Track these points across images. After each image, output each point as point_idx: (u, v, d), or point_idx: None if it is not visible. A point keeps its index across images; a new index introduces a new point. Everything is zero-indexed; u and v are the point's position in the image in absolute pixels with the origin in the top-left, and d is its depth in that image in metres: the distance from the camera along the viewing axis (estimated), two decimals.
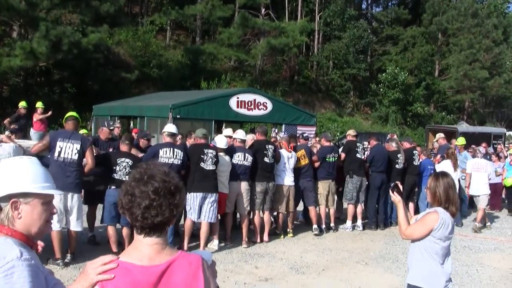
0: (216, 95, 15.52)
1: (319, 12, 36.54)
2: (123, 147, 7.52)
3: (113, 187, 7.14)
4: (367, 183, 10.28)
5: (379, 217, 10.53)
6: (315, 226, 9.59)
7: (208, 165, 7.79)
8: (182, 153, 7.76)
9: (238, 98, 14.78)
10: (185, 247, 7.61)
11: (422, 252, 3.92)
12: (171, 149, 7.66)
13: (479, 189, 11.24)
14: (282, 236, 9.20)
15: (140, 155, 7.87)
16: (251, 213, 8.91)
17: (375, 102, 36.35)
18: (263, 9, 32.75)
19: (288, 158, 9.09)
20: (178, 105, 13.61)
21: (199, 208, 7.71)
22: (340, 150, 10.73)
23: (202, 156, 7.77)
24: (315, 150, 10.07)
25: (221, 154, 8.14)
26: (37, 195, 1.96)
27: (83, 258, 7.08)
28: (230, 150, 8.39)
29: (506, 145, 22.89)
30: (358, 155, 10.09)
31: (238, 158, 8.37)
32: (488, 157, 14.40)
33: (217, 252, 7.99)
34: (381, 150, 10.56)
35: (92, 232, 8.16)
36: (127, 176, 6.81)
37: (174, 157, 7.61)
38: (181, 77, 28.09)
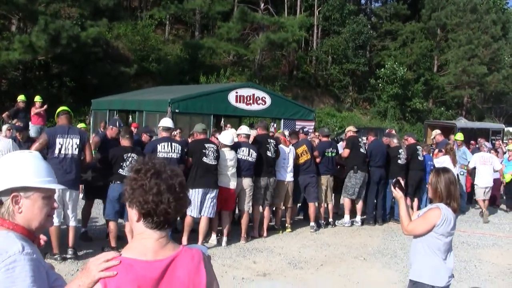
0: (215, 89, 15.49)
1: (318, 7, 36.48)
2: (125, 142, 7.48)
3: (117, 182, 7.11)
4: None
5: (378, 212, 10.55)
6: (312, 223, 9.60)
7: (210, 160, 7.78)
8: (180, 147, 7.74)
9: (237, 92, 14.76)
10: (185, 243, 7.61)
11: (424, 248, 3.92)
12: (169, 143, 7.66)
13: (488, 181, 11.94)
14: (280, 231, 9.21)
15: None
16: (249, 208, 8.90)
17: (374, 97, 36.36)
18: (262, 4, 32.68)
19: (287, 153, 9.09)
20: (177, 99, 13.59)
21: (200, 204, 7.71)
22: (339, 145, 10.73)
23: (204, 151, 7.77)
24: (314, 145, 10.07)
25: (225, 149, 8.13)
26: (38, 189, 1.95)
27: (79, 253, 7.10)
28: (234, 146, 8.38)
29: (504, 141, 22.93)
30: (362, 150, 10.09)
31: (243, 153, 8.31)
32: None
33: (215, 247, 8.00)
34: (379, 145, 10.57)
35: (85, 228, 8.14)
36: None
37: (173, 151, 7.60)
38: (180, 72, 28.06)
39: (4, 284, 1.75)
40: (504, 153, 14.43)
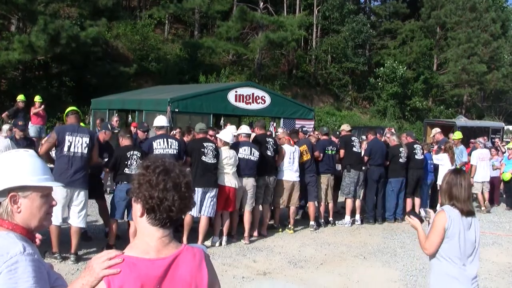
0: (215, 89, 15.49)
1: (317, 6, 36.46)
2: (126, 141, 7.51)
3: (124, 182, 7.11)
4: (363, 177, 10.29)
5: (377, 211, 10.55)
6: (312, 222, 9.61)
7: (209, 158, 7.78)
8: (176, 143, 7.74)
9: (236, 92, 14.75)
10: (185, 242, 7.60)
11: (438, 256, 3.81)
12: (164, 139, 7.66)
13: (486, 176, 12.67)
14: (280, 230, 9.21)
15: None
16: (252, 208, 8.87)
17: (373, 96, 36.35)
18: (262, 3, 32.65)
19: (292, 153, 9.08)
20: (176, 99, 13.59)
21: (199, 203, 7.71)
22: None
23: (202, 150, 7.77)
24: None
25: (225, 147, 8.13)
26: (36, 188, 1.95)
27: (79, 252, 7.10)
28: (235, 145, 8.38)
29: (504, 139, 22.93)
30: (354, 149, 10.09)
31: (245, 152, 8.28)
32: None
33: (215, 246, 8.01)
34: (378, 144, 10.57)
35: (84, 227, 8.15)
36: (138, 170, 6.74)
37: (169, 147, 7.60)
38: (180, 71, 28.05)
39: (6, 286, 1.75)
40: (503, 152, 14.43)
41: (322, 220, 9.90)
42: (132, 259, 1.82)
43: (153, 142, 7.62)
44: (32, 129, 13.62)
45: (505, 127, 27.44)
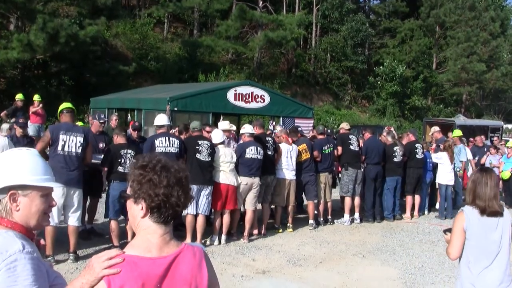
0: (214, 87, 15.47)
1: (316, 5, 36.44)
2: (120, 139, 7.51)
3: (117, 181, 7.11)
4: (362, 175, 10.30)
5: (376, 209, 10.56)
6: (311, 221, 9.62)
7: (204, 156, 7.78)
8: (178, 141, 7.75)
9: (235, 90, 14.74)
10: (188, 242, 7.59)
11: (459, 261, 3.66)
12: (166, 138, 7.66)
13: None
14: (280, 230, 9.21)
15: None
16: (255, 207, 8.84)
17: (372, 95, 36.36)
18: (261, 2, 32.62)
19: (289, 152, 9.08)
20: (175, 97, 13.58)
21: (195, 201, 7.71)
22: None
23: (197, 148, 7.78)
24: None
25: (220, 146, 8.14)
26: (36, 187, 1.94)
27: (79, 251, 7.11)
28: (240, 146, 8.41)
29: (503, 138, 22.94)
30: (352, 147, 10.10)
31: (252, 152, 8.27)
32: (485, 149, 14.48)
33: (214, 244, 8.02)
34: (375, 143, 10.58)
35: (82, 226, 8.15)
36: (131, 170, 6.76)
37: (171, 145, 7.60)
38: (179, 70, 28.03)
39: (5, 284, 1.74)
40: (499, 150, 14.43)
41: (321, 219, 9.91)
42: (133, 258, 1.81)
43: (155, 141, 7.62)
44: (31, 128, 13.60)
45: (504, 126, 27.45)
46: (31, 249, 1.85)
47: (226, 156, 8.05)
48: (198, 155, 7.75)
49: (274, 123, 15.48)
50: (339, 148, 10.10)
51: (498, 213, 3.60)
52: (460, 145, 12.94)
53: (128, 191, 1.90)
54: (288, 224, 9.34)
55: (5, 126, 9.79)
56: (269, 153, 8.70)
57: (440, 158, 11.27)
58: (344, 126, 10.81)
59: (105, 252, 1.84)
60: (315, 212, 9.75)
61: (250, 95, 14.98)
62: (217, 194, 7.94)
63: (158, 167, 1.86)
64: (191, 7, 30.53)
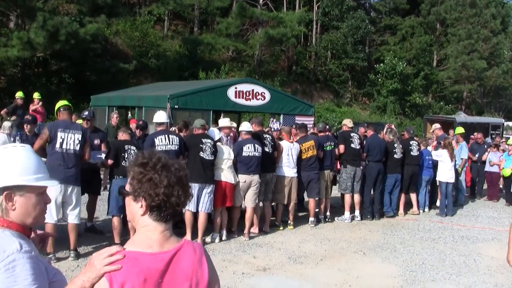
0: (214, 85, 15.46)
1: (317, 2, 36.40)
2: (125, 136, 7.54)
3: (120, 177, 7.10)
4: (361, 173, 10.29)
5: (375, 207, 10.55)
6: (312, 218, 9.62)
7: (207, 155, 7.77)
8: (178, 138, 7.74)
9: (236, 88, 14.73)
10: (189, 238, 7.60)
11: None
12: (166, 135, 7.65)
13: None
14: (281, 228, 9.20)
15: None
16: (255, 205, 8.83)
17: (373, 92, 36.32)
18: None
19: (290, 149, 9.07)
20: (176, 95, 13.57)
21: (197, 199, 7.71)
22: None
23: (201, 146, 7.76)
24: None
25: (218, 144, 8.15)
26: (32, 186, 1.92)
27: (79, 248, 7.10)
28: (237, 144, 8.40)
29: (504, 136, 22.93)
30: (352, 145, 10.08)
31: (249, 150, 8.25)
32: (486, 146, 14.48)
33: (215, 242, 8.01)
34: (376, 140, 10.58)
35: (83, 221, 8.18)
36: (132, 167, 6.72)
37: (171, 143, 7.60)
38: (179, 68, 28.01)
39: (5, 284, 1.73)
40: (500, 147, 14.43)
41: (322, 216, 9.90)
42: (134, 254, 1.81)
43: (155, 139, 7.61)
44: None
45: (505, 123, 27.43)
46: (29, 248, 1.84)
47: (224, 154, 8.05)
48: (201, 154, 7.73)
49: (274, 120, 15.47)
50: (341, 147, 10.07)
51: None
52: (462, 142, 12.94)
53: (127, 188, 1.89)
54: (289, 222, 9.33)
55: (7, 124, 9.76)
56: (268, 150, 8.67)
57: (440, 155, 11.26)
58: (347, 123, 10.75)
59: (106, 249, 1.83)
60: (316, 209, 9.75)
61: (251, 92, 14.97)
62: (216, 192, 7.94)
63: (159, 166, 1.86)
64: (191, 4, 30.50)
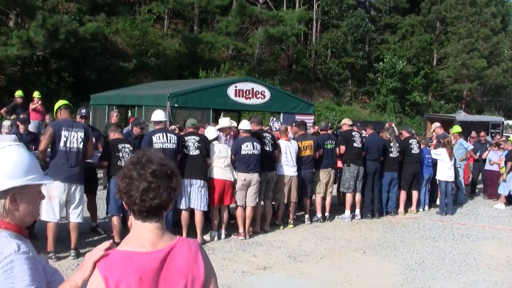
0: (214, 84, 15.46)
1: (317, 1, 36.40)
2: (116, 135, 7.54)
3: (117, 176, 7.10)
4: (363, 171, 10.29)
5: (374, 206, 10.55)
6: (307, 216, 9.64)
7: (190, 151, 7.78)
8: (175, 137, 7.74)
9: (236, 87, 14.73)
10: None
11: None
12: (163, 134, 7.64)
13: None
14: (281, 227, 9.19)
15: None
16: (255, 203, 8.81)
17: (373, 91, 36.34)
18: None
19: (288, 148, 9.06)
20: (175, 94, 13.57)
21: (187, 196, 7.71)
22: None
23: (183, 143, 7.82)
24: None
25: (215, 142, 8.15)
26: (34, 185, 1.93)
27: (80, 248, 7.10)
28: (236, 142, 8.40)
29: (504, 134, 22.93)
30: (355, 144, 10.07)
31: (247, 148, 8.22)
32: (487, 145, 14.48)
33: (215, 241, 8.01)
34: (375, 139, 10.57)
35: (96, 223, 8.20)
36: None
37: (168, 141, 7.59)
38: (179, 66, 28.00)
39: (3, 286, 1.73)
40: (500, 146, 14.42)
41: (320, 215, 9.88)
42: (129, 253, 1.83)
43: (153, 137, 7.60)
44: (31, 125, 13.57)
45: (505, 122, 27.43)
46: (26, 248, 1.83)
47: (221, 152, 8.05)
48: (185, 150, 7.80)
49: (274, 119, 15.47)
50: (342, 148, 10.05)
51: None
52: (460, 140, 12.95)
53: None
54: (289, 220, 9.32)
55: (6, 123, 9.74)
56: (267, 149, 8.66)
57: (439, 154, 11.25)
58: (347, 122, 10.76)
59: (98, 246, 1.86)
60: (314, 208, 9.76)
61: (251, 91, 14.97)
62: (213, 190, 7.94)
63: (129, 162, 1.88)
64: (191, 3, 30.45)
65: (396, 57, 34.78)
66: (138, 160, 1.89)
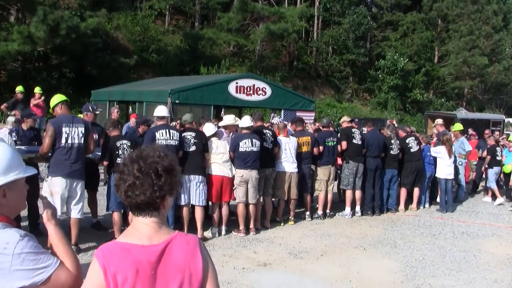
0: (215, 80, 15.48)
1: None
2: (115, 132, 7.54)
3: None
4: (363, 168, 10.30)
5: (375, 203, 10.55)
6: (308, 213, 9.64)
7: (187, 147, 7.80)
8: (178, 134, 7.75)
9: (237, 83, 14.74)
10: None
11: None
12: (167, 130, 7.65)
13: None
14: (282, 224, 9.20)
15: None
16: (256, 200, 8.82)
17: (374, 88, 36.29)
18: None
19: (287, 144, 9.05)
20: (177, 90, 13.58)
21: (187, 191, 7.72)
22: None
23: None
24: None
25: (213, 138, 8.17)
26: (20, 178, 2.03)
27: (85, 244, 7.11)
28: (234, 139, 8.39)
29: (504, 132, 22.91)
30: (354, 141, 10.07)
31: (245, 145, 8.22)
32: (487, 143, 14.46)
33: (215, 237, 8.02)
34: (375, 136, 10.57)
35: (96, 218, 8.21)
36: None
37: (171, 138, 7.60)
38: (180, 63, 27.98)
39: (29, 266, 1.87)
40: (499, 143, 14.41)
41: (321, 212, 9.89)
42: (126, 245, 1.86)
43: (156, 133, 7.61)
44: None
45: (506, 120, 27.41)
46: (24, 232, 1.94)
47: (219, 148, 8.06)
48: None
49: (275, 115, 15.48)
50: (344, 143, 10.05)
51: None
52: (461, 138, 12.93)
53: None
54: (289, 217, 9.33)
55: (11, 119, 9.72)
56: (267, 145, 8.66)
57: (438, 152, 11.23)
58: (346, 119, 10.82)
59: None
60: (316, 205, 9.75)
61: (252, 87, 14.98)
62: (211, 186, 7.95)
63: (130, 161, 1.90)
64: None
65: (397, 54, 34.73)
66: (132, 157, 1.92)
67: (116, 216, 7.25)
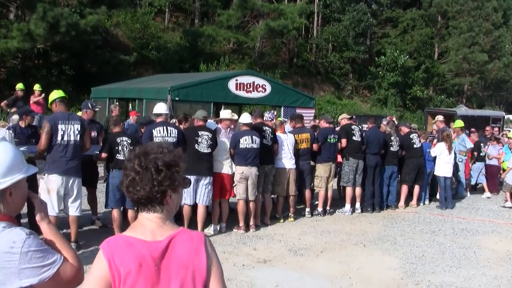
0: (215, 77, 15.47)
1: None
2: (116, 129, 7.53)
3: (116, 169, 7.10)
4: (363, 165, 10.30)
5: (375, 199, 10.56)
6: (308, 209, 9.65)
7: (202, 148, 7.75)
8: (176, 131, 7.71)
9: (237, 80, 14.74)
10: None
11: None
12: (164, 127, 7.60)
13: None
14: (282, 220, 9.21)
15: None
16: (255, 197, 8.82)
17: (374, 85, 36.29)
18: None
19: (285, 140, 9.05)
20: (176, 87, 13.58)
21: (193, 192, 7.71)
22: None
23: (196, 138, 7.74)
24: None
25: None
26: (24, 177, 2.04)
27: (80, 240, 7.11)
28: (234, 136, 8.38)
29: (504, 129, 22.91)
30: (354, 138, 10.07)
31: (246, 142, 8.20)
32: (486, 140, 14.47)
33: (215, 234, 8.03)
34: (375, 133, 10.57)
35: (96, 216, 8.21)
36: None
37: (169, 135, 7.55)
38: (180, 60, 27.97)
39: (36, 264, 1.88)
40: (498, 141, 14.41)
41: (321, 209, 9.89)
42: (131, 239, 1.89)
43: (153, 130, 7.58)
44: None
45: (506, 117, 27.40)
46: (28, 230, 1.94)
47: (220, 145, 8.05)
48: (196, 146, 7.70)
49: (275, 112, 15.48)
50: (343, 141, 10.05)
51: None
52: (462, 135, 12.92)
53: None
54: (289, 214, 9.34)
55: (16, 117, 9.69)
56: (266, 142, 8.66)
57: (437, 151, 11.21)
58: (345, 116, 10.82)
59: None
60: (316, 202, 9.76)
61: (251, 84, 14.98)
62: (214, 184, 7.95)
63: (132, 157, 1.93)
64: None
65: (397, 51, 34.72)
66: (135, 152, 1.95)
67: (115, 213, 7.24)
